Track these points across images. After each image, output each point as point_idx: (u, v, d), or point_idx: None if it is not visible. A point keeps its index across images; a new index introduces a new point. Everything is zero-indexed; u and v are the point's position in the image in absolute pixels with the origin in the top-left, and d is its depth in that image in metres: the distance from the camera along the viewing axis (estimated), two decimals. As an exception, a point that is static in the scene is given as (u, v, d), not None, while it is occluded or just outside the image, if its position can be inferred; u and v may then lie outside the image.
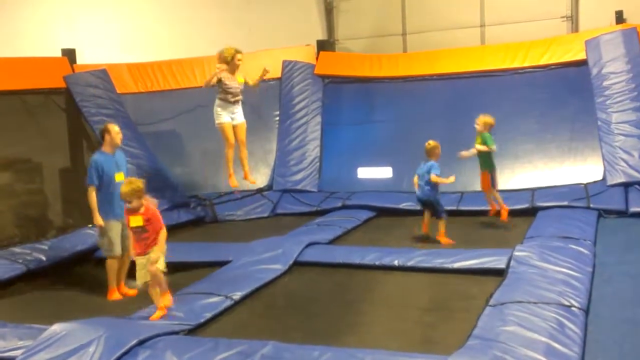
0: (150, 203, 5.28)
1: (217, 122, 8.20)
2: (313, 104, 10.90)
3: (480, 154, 7.79)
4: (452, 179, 7.21)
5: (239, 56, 8.06)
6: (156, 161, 9.99)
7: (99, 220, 6.24)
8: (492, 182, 7.87)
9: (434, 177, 7.18)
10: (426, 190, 7.31)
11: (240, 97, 8.27)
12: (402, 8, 12.36)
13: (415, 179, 7.44)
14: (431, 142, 7.35)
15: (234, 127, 8.25)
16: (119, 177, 6.35)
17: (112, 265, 6.27)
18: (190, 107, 10.81)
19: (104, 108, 9.68)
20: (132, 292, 6.21)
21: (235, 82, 8.10)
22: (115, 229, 6.26)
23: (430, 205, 7.39)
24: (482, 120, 7.86)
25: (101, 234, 6.36)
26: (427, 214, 7.50)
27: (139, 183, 5.23)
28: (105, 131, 6.49)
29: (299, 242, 6.92)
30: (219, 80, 8.00)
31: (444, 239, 7.26)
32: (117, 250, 6.27)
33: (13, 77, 9.02)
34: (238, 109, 8.29)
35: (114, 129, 6.50)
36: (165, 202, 9.36)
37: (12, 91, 8.91)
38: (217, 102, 8.16)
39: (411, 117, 10.36)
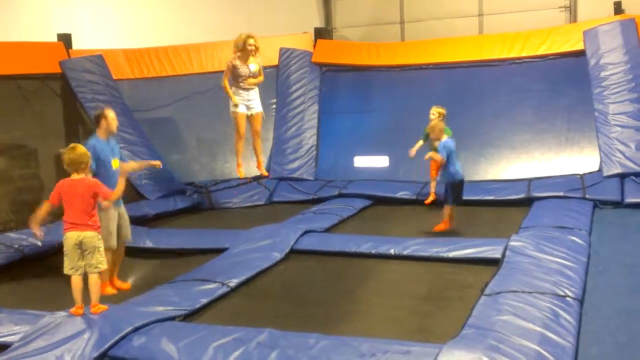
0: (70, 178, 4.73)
1: (231, 109, 8.01)
2: (310, 92, 10.88)
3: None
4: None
5: (250, 41, 7.90)
6: (152, 148, 9.97)
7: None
8: None
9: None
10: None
11: (254, 82, 8.09)
12: (400, -4, 12.34)
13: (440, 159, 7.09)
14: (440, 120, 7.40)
15: (250, 117, 8.07)
16: (115, 163, 6.18)
17: (106, 257, 6.05)
18: (186, 94, 10.80)
19: (100, 94, 9.62)
20: (125, 285, 6.05)
21: (245, 68, 7.94)
22: (113, 219, 5.88)
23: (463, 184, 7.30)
24: (439, 111, 8.03)
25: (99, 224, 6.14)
26: (451, 207, 7.24)
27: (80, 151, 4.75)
28: (101, 116, 6.09)
29: (295, 230, 6.92)
30: (232, 68, 7.90)
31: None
32: (114, 242, 5.86)
33: (8, 62, 8.96)
34: (254, 97, 8.11)
35: (111, 114, 6.16)
36: (161, 189, 9.37)
37: (7, 76, 8.86)
38: (233, 89, 7.98)
39: (408, 106, 10.34)
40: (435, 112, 8.10)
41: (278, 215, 8.18)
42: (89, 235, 4.68)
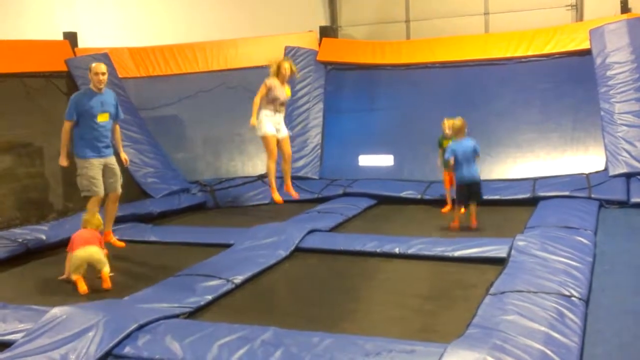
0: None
1: (260, 132, 7.97)
2: (315, 90, 10.87)
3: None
4: None
5: (285, 65, 7.99)
6: (157, 146, 9.99)
7: (63, 160, 6.19)
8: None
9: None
10: (473, 170, 7.16)
11: (284, 108, 8.18)
12: (405, -5, 12.32)
13: (447, 161, 7.23)
14: (460, 119, 7.26)
15: (279, 141, 8.04)
16: (102, 117, 6.23)
17: (93, 203, 6.16)
18: (191, 92, 10.81)
19: (105, 92, 9.64)
20: (120, 243, 6.13)
21: (282, 92, 7.99)
22: (95, 168, 6.09)
23: (477, 187, 7.22)
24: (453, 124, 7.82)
25: (79, 174, 6.29)
26: (458, 207, 7.32)
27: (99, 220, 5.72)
28: (88, 70, 6.40)
29: (300, 229, 6.92)
30: (268, 89, 7.89)
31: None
32: (98, 189, 6.17)
33: (14, 60, 9.00)
34: (281, 120, 8.13)
35: (96, 68, 6.35)
36: (166, 188, 9.38)
37: (13, 74, 8.90)
38: (263, 111, 7.94)
39: (413, 105, 10.33)
40: (448, 125, 7.97)
41: (282, 214, 8.17)
42: (94, 251, 5.47)
